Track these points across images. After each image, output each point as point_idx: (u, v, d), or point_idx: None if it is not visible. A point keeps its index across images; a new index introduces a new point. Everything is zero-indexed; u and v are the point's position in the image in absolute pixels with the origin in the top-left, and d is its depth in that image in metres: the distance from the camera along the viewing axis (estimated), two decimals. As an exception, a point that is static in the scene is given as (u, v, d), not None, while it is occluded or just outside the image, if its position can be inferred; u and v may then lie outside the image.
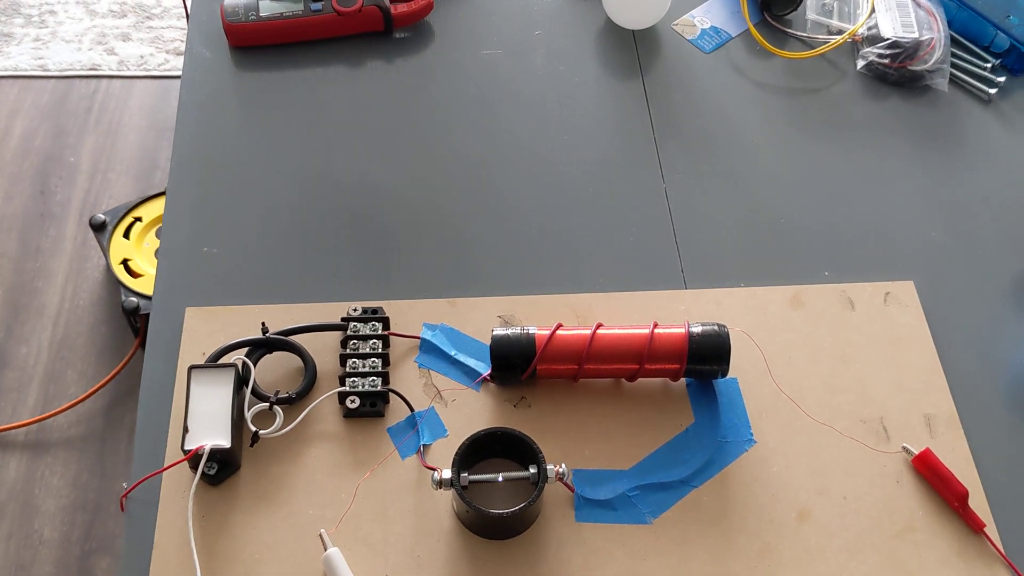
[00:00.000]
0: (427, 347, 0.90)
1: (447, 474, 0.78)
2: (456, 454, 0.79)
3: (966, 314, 0.95)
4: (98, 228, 1.90)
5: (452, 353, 0.90)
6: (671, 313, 0.93)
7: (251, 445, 0.83)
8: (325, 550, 0.78)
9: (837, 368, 0.91)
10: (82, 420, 1.82)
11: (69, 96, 2.31)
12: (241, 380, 0.84)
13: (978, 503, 0.83)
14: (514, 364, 0.86)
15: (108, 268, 1.87)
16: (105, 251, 1.86)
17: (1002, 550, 0.81)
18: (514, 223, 1.00)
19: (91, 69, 2.35)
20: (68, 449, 1.79)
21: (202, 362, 0.85)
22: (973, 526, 0.82)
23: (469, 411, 0.87)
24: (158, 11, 2.48)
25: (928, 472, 0.84)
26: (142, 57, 2.37)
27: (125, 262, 1.85)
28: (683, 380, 0.89)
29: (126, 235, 1.89)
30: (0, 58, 2.36)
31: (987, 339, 0.94)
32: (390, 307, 0.92)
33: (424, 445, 0.85)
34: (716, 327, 0.86)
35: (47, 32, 2.42)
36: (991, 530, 0.82)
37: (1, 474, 1.75)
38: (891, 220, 1.02)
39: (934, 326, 0.94)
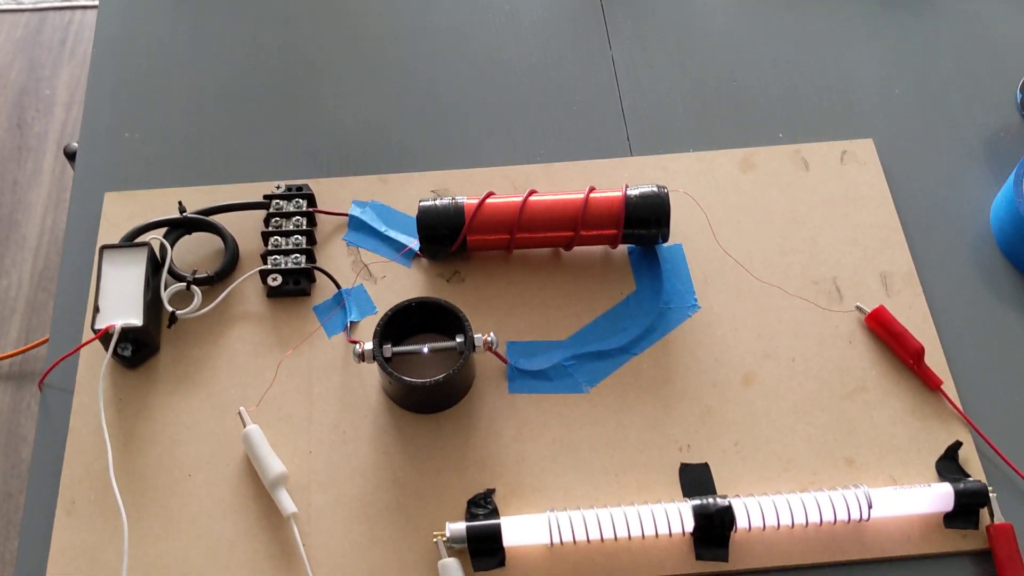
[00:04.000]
0: (356, 224, 0.86)
1: (368, 346, 0.75)
2: (378, 325, 0.75)
3: (928, 171, 0.90)
4: (74, 157, 1.86)
5: (383, 229, 0.86)
6: (614, 180, 0.88)
7: (168, 326, 0.80)
8: (244, 427, 0.75)
9: (789, 229, 0.86)
10: (64, 349, 1.80)
11: (43, 28, 2.27)
12: (156, 260, 0.80)
13: (935, 361, 0.79)
14: (442, 235, 0.82)
15: (82, 195, 1.84)
16: (78, 178, 1.83)
17: (959, 406, 0.77)
18: (449, 93, 0.95)
19: (64, 0, 2.30)
20: (51, 378, 1.77)
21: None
22: (929, 383, 0.78)
23: (399, 287, 0.83)
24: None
25: (882, 330, 0.79)
26: (115, -15, 2.32)
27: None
28: (625, 248, 0.85)
29: (99, 161, 1.85)
30: (-28, -7, 2.32)
31: (949, 195, 0.89)
32: (319, 185, 0.88)
33: (351, 322, 0.81)
34: (655, 188, 0.81)
35: (19, -35, 2.37)
36: (948, 387, 0.78)
37: (-15, 404, 1.75)
38: (851, 77, 0.96)
39: (894, 184, 0.88)
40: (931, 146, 0.91)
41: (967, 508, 0.72)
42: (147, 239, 0.81)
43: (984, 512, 0.72)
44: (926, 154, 0.91)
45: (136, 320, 0.76)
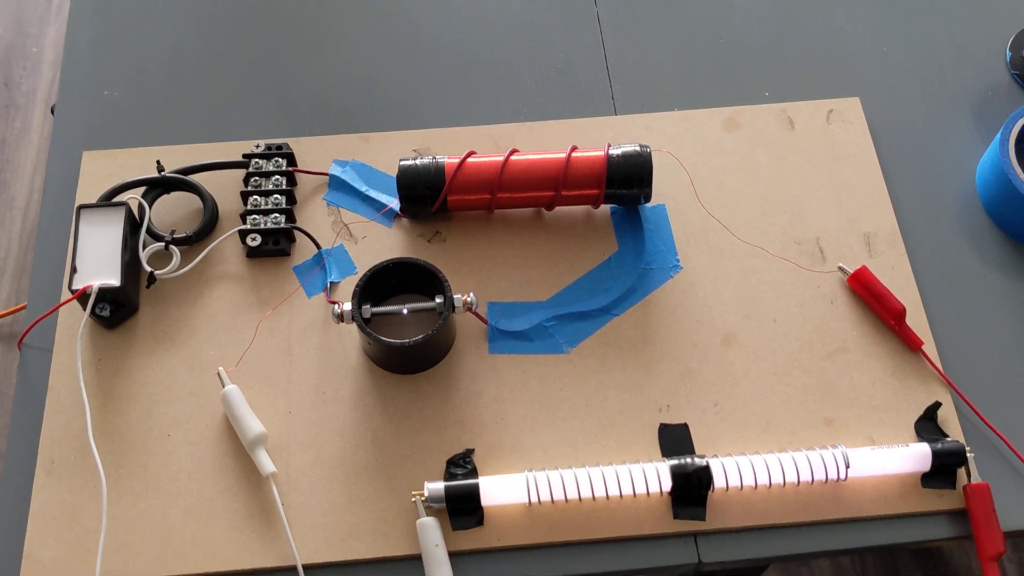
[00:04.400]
0: (336, 184, 0.85)
1: (347, 307, 0.74)
2: (356, 286, 0.75)
3: (915, 130, 0.89)
4: (60, 115, 1.85)
5: (363, 189, 0.85)
6: (597, 140, 0.87)
7: (147, 286, 0.80)
8: (223, 388, 0.75)
9: (772, 190, 0.85)
10: (54, 309, 1.80)
11: (29, -15, 2.24)
12: (134, 220, 0.80)
13: (917, 322, 0.79)
14: (422, 195, 0.81)
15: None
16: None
17: (940, 367, 0.76)
18: (432, 51, 0.94)
19: (50, -44, 2.26)
20: (42, 338, 1.77)
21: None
22: (910, 344, 0.77)
23: (380, 247, 0.83)
24: None
25: (864, 290, 0.79)
26: (102, -59, 2.28)
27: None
28: (608, 208, 0.84)
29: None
30: (-43, -52, 2.28)
31: (936, 155, 0.88)
32: (299, 144, 0.87)
33: (331, 282, 0.81)
34: (638, 148, 0.80)
35: (4, -80, 2.33)
36: (929, 348, 0.77)
37: (-24, 364, 1.75)
38: (839, 35, 0.95)
39: (880, 143, 0.88)
40: (918, 105, 0.91)
41: (944, 468, 0.72)
42: (125, 198, 0.81)
43: (962, 472, 0.72)
44: (913, 113, 0.90)
45: (114, 280, 0.76)
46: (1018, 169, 0.81)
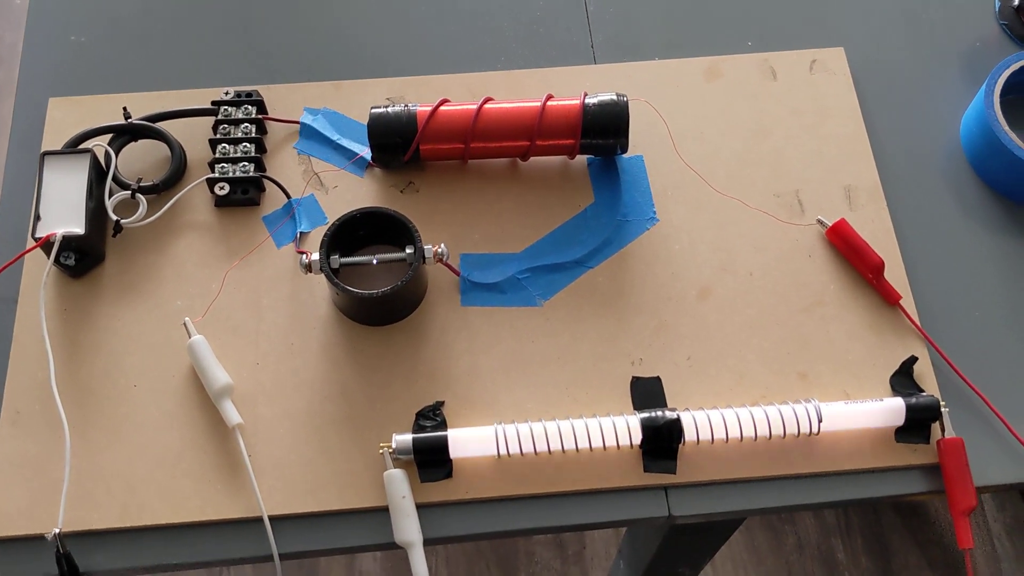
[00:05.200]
0: (308, 132, 0.84)
1: (316, 257, 0.73)
2: (324, 235, 0.74)
3: (900, 82, 0.87)
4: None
5: (335, 138, 0.83)
6: (576, 89, 0.85)
7: (113, 235, 0.78)
8: (189, 338, 0.74)
9: (752, 141, 0.83)
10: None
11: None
12: (99, 168, 0.78)
13: (896, 276, 0.77)
14: (394, 144, 0.79)
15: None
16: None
17: (917, 321, 0.75)
18: None
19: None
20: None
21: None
22: (888, 298, 0.76)
23: (351, 197, 0.81)
24: None
25: (842, 244, 0.78)
26: None
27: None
28: (584, 160, 0.83)
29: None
30: None
31: (921, 107, 0.86)
32: (270, 92, 0.85)
33: (301, 232, 0.79)
34: (614, 97, 0.79)
35: None
36: (907, 302, 0.76)
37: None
38: (825, -16, 0.93)
39: (863, 95, 0.86)
40: (904, 56, 0.89)
41: (918, 423, 0.71)
42: (91, 146, 0.79)
43: (936, 427, 0.71)
44: (899, 64, 0.88)
45: (78, 228, 0.74)
46: (1003, 121, 0.80)
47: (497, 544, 1.58)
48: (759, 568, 1.59)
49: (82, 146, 0.80)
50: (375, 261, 0.75)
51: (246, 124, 0.81)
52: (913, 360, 0.74)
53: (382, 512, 0.70)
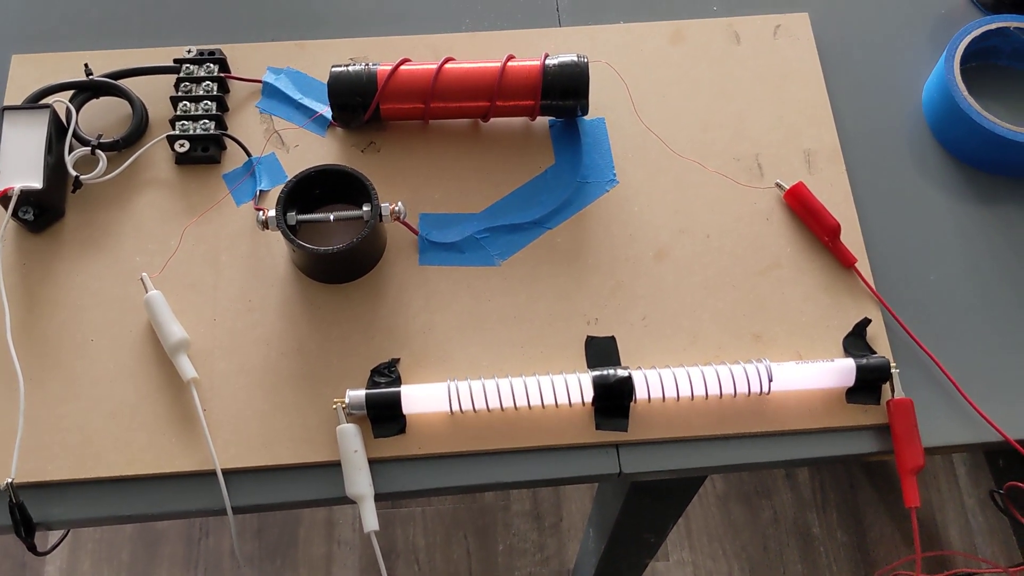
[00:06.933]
0: (270, 91, 0.84)
1: (272, 213, 0.73)
2: (281, 192, 0.74)
3: (864, 48, 0.87)
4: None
5: (297, 98, 0.83)
6: (539, 51, 0.84)
7: (73, 191, 0.78)
8: (147, 293, 0.74)
9: (714, 105, 0.83)
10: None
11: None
12: (60, 123, 0.78)
13: (852, 239, 0.78)
14: (355, 103, 0.79)
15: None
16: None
17: (872, 285, 0.76)
18: (377, -37, 0.92)
19: None
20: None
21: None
22: (843, 261, 0.77)
23: (312, 156, 0.81)
24: None
25: (799, 207, 0.78)
26: None
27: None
28: (547, 121, 0.83)
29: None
30: None
31: (884, 74, 0.86)
32: (233, 51, 0.85)
33: (261, 191, 0.79)
34: (575, 58, 0.79)
35: None
36: (863, 265, 0.77)
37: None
38: (793, -50, 0.92)
39: (827, 61, 0.86)
40: (870, 22, 0.89)
41: (869, 384, 0.71)
42: (52, 102, 0.79)
43: (887, 388, 0.72)
44: (864, 30, 0.88)
45: (36, 183, 0.74)
46: (963, 87, 0.80)
47: (475, 515, 1.59)
48: (735, 542, 1.60)
49: (42, 102, 0.80)
50: (332, 218, 0.76)
51: (208, 82, 0.81)
52: (866, 322, 0.74)
53: (335, 467, 0.70)
